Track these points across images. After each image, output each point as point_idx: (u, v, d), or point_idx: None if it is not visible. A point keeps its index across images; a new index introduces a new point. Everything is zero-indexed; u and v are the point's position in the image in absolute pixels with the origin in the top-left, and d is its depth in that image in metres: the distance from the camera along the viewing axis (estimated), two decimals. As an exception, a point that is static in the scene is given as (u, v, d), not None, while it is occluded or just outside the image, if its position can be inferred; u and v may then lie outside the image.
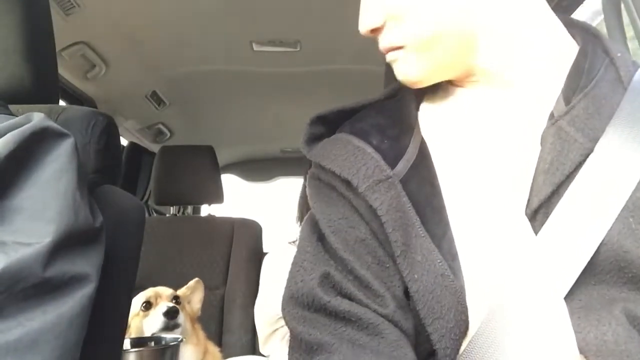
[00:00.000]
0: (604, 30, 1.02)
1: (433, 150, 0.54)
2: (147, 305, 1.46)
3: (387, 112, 0.59)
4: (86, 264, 0.53)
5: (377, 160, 0.51)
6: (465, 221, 0.49)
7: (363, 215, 0.51)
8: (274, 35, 1.67)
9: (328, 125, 0.61)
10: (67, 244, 0.51)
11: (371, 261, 0.49)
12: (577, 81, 0.52)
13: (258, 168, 3.06)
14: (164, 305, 1.43)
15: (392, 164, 0.52)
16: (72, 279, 0.51)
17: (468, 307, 0.46)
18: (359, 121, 0.58)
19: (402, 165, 0.52)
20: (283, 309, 0.52)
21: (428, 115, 0.58)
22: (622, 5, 0.97)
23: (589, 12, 1.25)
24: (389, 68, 0.59)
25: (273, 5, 1.50)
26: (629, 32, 0.97)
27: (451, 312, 0.45)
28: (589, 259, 0.44)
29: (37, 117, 0.56)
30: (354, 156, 0.52)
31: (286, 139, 2.66)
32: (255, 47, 1.73)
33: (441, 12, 0.51)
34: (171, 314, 1.40)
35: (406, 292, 0.48)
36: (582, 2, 1.22)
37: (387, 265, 0.49)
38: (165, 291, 1.51)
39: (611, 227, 0.44)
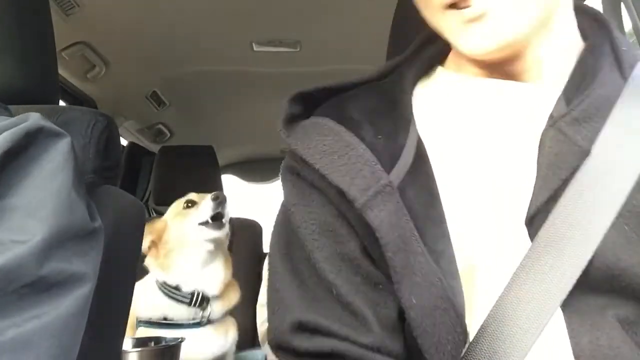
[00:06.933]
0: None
1: (430, 150, 0.49)
2: (191, 203, 1.39)
3: (380, 95, 0.53)
4: (83, 264, 0.52)
5: (372, 165, 0.45)
6: (464, 231, 0.45)
7: (355, 228, 0.46)
8: (274, 35, 1.67)
9: (308, 104, 0.54)
10: (62, 242, 0.50)
11: (360, 282, 0.45)
12: (581, 80, 0.49)
13: (258, 168, 3.05)
14: (211, 194, 1.35)
15: (388, 167, 0.46)
16: (68, 278, 0.50)
17: (467, 323, 0.43)
18: (348, 105, 0.52)
19: (399, 170, 0.46)
20: (271, 347, 0.48)
21: (423, 105, 0.53)
22: (622, 5, 0.97)
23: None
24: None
25: (273, 5, 1.50)
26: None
27: (450, 334, 0.42)
28: (584, 266, 0.42)
29: (33, 117, 0.56)
30: (347, 156, 0.46)
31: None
32: (256, 47, 1.73)
33: None
34: (220, 199, 1.33)
35: (400, 312, 0.45)
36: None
37: (380, 286, 0.45)
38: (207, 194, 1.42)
39: (606, 235, 0.42)
